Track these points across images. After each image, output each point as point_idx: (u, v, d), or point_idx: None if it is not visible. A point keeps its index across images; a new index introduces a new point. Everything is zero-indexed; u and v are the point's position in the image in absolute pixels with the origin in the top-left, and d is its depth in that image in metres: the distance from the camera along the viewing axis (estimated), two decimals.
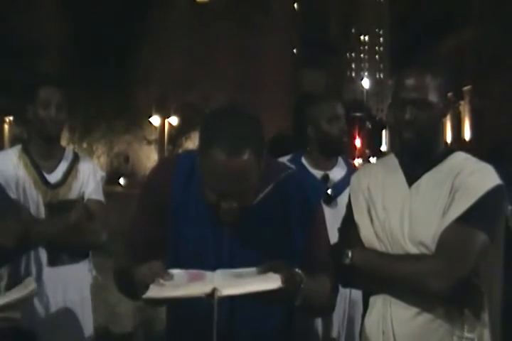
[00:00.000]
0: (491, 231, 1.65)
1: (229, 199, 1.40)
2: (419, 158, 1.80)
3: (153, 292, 1.28)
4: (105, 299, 4.14)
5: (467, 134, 32.88)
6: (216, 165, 1.36)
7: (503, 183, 1.70)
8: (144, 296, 1.28)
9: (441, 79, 1.76)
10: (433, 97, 1.72)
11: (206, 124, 1.43)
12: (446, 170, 1.74)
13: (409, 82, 1.73)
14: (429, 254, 1.67)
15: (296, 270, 1.44)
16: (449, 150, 1.82)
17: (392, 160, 1.87)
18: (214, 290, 1.27)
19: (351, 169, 2.72)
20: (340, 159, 2.80)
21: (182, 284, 1.30)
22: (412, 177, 1.79)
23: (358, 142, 48.77)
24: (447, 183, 1.71)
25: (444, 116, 1.80)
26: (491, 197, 1.66)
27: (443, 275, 1.59)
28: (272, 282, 1.28)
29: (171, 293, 1.28)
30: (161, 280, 1.31)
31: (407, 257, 1.70)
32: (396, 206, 1.78)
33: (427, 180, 1.76)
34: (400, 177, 1.81)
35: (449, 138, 34.65)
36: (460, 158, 1.79)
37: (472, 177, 1.69)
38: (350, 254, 1.73)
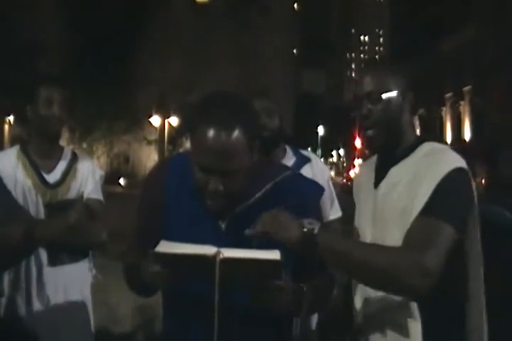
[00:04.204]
0: (457, 219, 1.52)
1: (215, 179, 1.41)
2: (384, 155, 1.74)
3: (162, 247, 1.34)
4: (105, 299, 4.14)
5: (467, 134, 32.89)
6: (205, 139, 1.39)
7: (462, 166, 1.58)
8: (154, 251, 1.33)
9: (399, 74, 1.71)
10: (386, 90, 1.66)
11: (200, 104, 1.47)
12: (409, 165, 1.65)
13: (363, 77, 1.71)
14: (395, 247, 1.52)
15: (300, 285, 1.45)
16: (416, 143, 1.70)
17: (374, 160, 1.83)
18: (217, 252, 1.32)
19: (299, 161, 2.72)
20: (289, 155, 2.76)
21: (188, 246, 1.36)
22: (379, 176, 1.73)
23: (358, 142, 48.83)
24: (408, 178, 1.62)
25: (405, 111, 1.70)
26: (448, 183, 1.54)
27: (413, 268, 1.41)
28: (272, 254, 1.32)
29: (177, 249, 1.33)
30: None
31: (370, 246, 1.57)
32: (366, 209, 1.74)
33: (388, 178, 1.69)
34: (371, 177, 1.77)
35: (449, 138, 34.68)
36: (425, 149, 1.67)
37: (429, 165, 1.59)
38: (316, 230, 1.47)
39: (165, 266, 1.36)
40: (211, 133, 1.38)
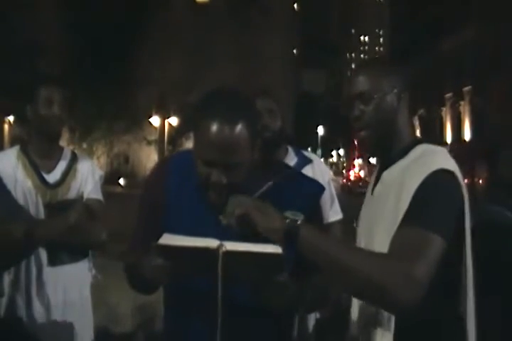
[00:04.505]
0: (444, 226, 1.42)
1: (218, 171, 1.42)
2: (381, 158, 1.69)
3: (165, 240, 1.35)
4: (105, 299, 4.15)
5: (467, 134, 32.89)
6: (207, 133, 1.41)
7: (446, 167, 1.49)
8: (156, 243, 1.33)
9: (394, 74, 1.64)
10: (378, 90, 1.60)
11: (202, 100, 1.49)
12: (400, 168, 1.57)
13: (354, 78, 1.65)
14: (383, 254, 1.43)
15: (300, 283, 1.44)
16: (411, 145, 1.61)
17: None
18: (220, 245, 1.32)
19: (300, 161, 2.74)
20: (290, 155, 2.77)
21: (191, 239, 1.36)
22: (376, 180, 1.67)
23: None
24: (398, 181, 1.54)
25: (400, 112, 1.62)
26: (429, 185, 1.46)
27: (403, 281, 1.32)
28: (274, 248, 1.33)
29: (180, 242, 1.34)
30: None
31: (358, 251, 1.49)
32: (364, 213, 1.72)
33: (381, 182, 1.63)
34: (372, 182, 1.71)
35: (449, 138, 34.68)
36: (419, 151, 1.59)
37: (416, 168, 1.51)
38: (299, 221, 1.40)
39: (167, 258, 1.36)
40: (214, 126, 1.41)
